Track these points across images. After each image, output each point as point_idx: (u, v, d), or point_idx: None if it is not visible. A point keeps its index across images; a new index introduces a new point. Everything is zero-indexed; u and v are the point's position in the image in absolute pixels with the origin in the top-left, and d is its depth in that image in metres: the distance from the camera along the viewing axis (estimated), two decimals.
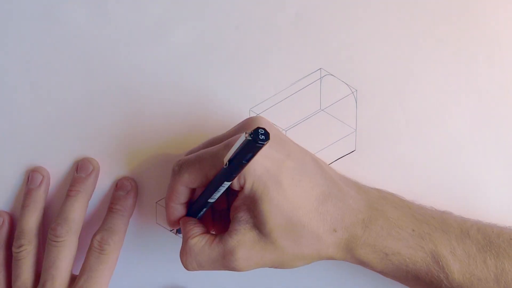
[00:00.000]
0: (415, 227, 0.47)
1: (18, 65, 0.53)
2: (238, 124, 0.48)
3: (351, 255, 0.47)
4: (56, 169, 0.54)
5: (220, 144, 0.46)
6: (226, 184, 0.45)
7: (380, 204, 0.48)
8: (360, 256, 0.47)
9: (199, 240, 0.47)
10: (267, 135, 0.40)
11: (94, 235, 0.51)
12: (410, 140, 0.53)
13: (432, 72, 0.53)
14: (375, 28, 0.53)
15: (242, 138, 0.41)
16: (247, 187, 0.45)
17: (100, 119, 0.53)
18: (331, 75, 0.53)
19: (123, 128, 0.53)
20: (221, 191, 0.46)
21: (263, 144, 0.40)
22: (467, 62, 0.53)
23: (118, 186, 0.53)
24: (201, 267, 0.47)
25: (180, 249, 0.48)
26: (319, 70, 0.53)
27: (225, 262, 0.46)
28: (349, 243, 0.47)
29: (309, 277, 0.55)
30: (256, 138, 0.39)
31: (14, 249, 0.51)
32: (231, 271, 0.47)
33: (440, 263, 0.47)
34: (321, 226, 0.46)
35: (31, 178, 0.53)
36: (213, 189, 0.46)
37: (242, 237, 0.46)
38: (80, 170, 0.53)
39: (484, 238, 0.47)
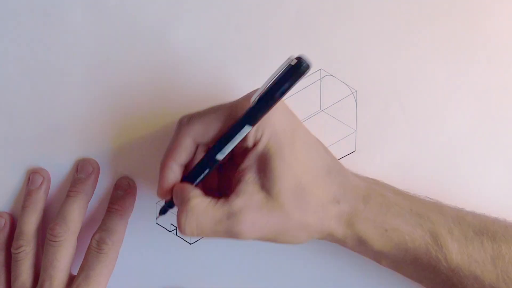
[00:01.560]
0: (413, 207, 0.48)
1: (18, 65, 0.53)
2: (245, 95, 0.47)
3: (352, 230, 0.46)
4: (56, 170, 0.54)
5: (239, 98, 0.45)
6: (246, 130, 0.42)
7: (378, 186, 0.49)
8: (361, 231, 0.46)
9: (202, 200, 0.44)
10: (309, 64, 0.38)
11: (93, 235, 0.51)
12: (410, 140, 0.53)
13: (432, 72, 0.53)
14: (375, 28, 0.53)
15: (283, 65, 0.39)
16: (263, 141, 0.44)
17: (99, 119, 0.53)
18: (331, 75, 0.53)
19: (122, 128, 0.53)
20: (236, 142, 0.43)
21: (307, 70, 0.38)
22: (467, 62, 0.53)
23: (116, 186, 0.53)
24: (201, 231, 0.43)
25: (177, 214, 0.44)
26: (319, 71, 0.53)
27: (229, 225, 0.43)
28: (351, 217, 0.46)
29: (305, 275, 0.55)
30: (300, 64, 0.38)
31: (13, 250, 0.51)
32: (233, 241, 0.45)
33: (439, 242, 0.46)
34: (326, 195, 0.46)
35: (31, 180, 0.53)
36: (227, 139, 0.43)
37: (250, 198, 0.44)
38: (80, 171, 0.53)
39: (480, 223, 0.48)
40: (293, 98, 0.53)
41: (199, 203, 0.44)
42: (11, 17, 0.53)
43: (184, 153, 0.46)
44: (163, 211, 0.50)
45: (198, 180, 0.46)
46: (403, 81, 0.53)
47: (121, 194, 0.53)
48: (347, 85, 0.53)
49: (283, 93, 0.41)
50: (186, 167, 0.47)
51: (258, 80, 0.53)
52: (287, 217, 0.44)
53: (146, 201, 0.54)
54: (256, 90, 0.43)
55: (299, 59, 0.40)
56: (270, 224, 0.44)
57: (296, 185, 0.44)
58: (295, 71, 0.39)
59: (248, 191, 0.44)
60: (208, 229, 0.44)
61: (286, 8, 0.53)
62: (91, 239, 0.51)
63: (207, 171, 0.46)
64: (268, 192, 0.44)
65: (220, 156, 0.45)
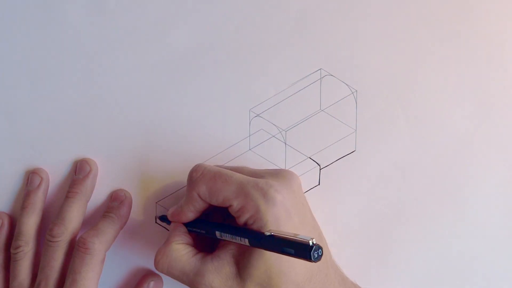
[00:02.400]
0: None
1: (18, 65, 0.53)
2: (271, 169, 0.49)
3: None
4: (56, 170, 0.54)
5: (250, 179, 0.46)
6: (244, 243, 0.45)
7: None
8: None
9: (183, 248, 0.48)
10: (320, 257, 0.41)
11: (81, 234, 0.50)
12: (410, 140, 0.53)
13: (432, 72, 0.53)
14: (375, 28, 0.53)
15: (304, 238, 0.41)
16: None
17: (99, 119, 0.53)
18: (331, 75, 0.53)
19: (122, 129, 0.53)
20: (234, 240, 0.46)
21: (312, 261, 0.40)
22: (467, 62, 0.53)
23: (113, 197, 0.53)
24: (169, 273, 0.47)
25: (158, 249, 0.48)
26: (319, 71, 0.53)
27: (193, 281, 0.46)
28: None
29: None
30: (314, 254, 0.40)
31: (11, 250, 0.51)
32: None
33: None
34: None
35: (30, 180, 0.53)
36: (230, 236, 0.46)
37: (221, 266, 0.46)
38: (78, 172, 0.53)
39: None
40: (293, 98, 0.53)
41: (179, 249, 0.47)
42: (11, 17, 0.53)
43: (197, 204, 0.48)
44: (161, 219, 0.53)
45: (193, 230, 0.49)
46: (403, 81, 0.53)
47: (117, 204, 0.53)
48: (347, 85, 0.53)
49: (288, 255, 0.42)
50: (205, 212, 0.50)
51: (258, 80, 0.53)
52: None
53: (147, 201, 0.54)
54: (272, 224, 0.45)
55: (317, 250, 0.41)
56: None
57: (266, 281, 0.45)
58: (304, 252, 0.41)
59: (224, 259, 0.46)
60: (176, 274, 0.47)
61: (286, 8, 0.53)
62: (78, 239, 0.50)
63: (203, 232, 0.49)
64: (239, 271, 0.46)
65: (218, 235, 0.47)
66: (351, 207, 0.53)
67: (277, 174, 0.48)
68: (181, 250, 0.47)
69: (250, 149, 0.53)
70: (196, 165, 0.48)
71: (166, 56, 0.53)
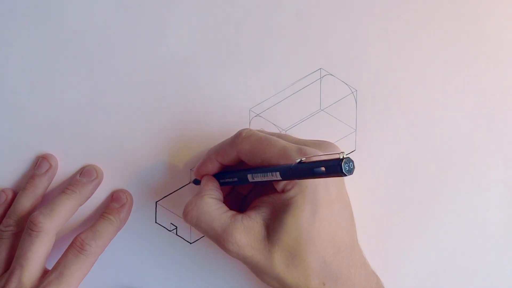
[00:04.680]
0: None
1: (18, 65, 0.53)
2: (315, 140, 0.48)
3: None
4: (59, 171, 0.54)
5: (293, 145, 0.46)
6: (276, 178, 0.44)
7: None
8: None
9: (215, 203, 0.47)
10: (352, 170, 0.39)
11: (79, 233, 0.50)
12: (410, 140, 0.53)
13: (432, 72, 0.53)
14: (375, 28, 0.53)
15: (334, 155, 0.41)
16: (290, 195, 0.45)
17: (99, 119, 0.53)
18: (331, 75, 0.53)
19: (122, 128, 0.53)
20: (267, 179, 0.45)
21: (345, 174, 0.39)
22: (467, 62, 0.53)
23: (113, 198, 0.53)
24: (197, 225, 0.47)
25: (189, 200, 0.47)
26: (319, 70, 0.53)
27: (222, 236, 0.46)
28: None
29: None
30: (345, 166, 0.39)
31: (1, 227, 0.51)
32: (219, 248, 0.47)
33: None
34: (317, 275, 0.46)
35: (38, 164, 0.53)
36: (262, 174, 0.45)
37: (251, 227, 0.46)
38: (83, 175, 0.53)
39: None
40: (293, 98, 0.53)
41: (209, 203, 0.47)
42: (11, 17, 0.53)
43: (227, 157, 0.48)
44: (195, 182, 0.52)
45: (224, 183, 0.49)
46: (403, 81, 0.53)
47: (117, 206, 0.52)
48: (347, 84, 0.53)
49: (319, 176, 0.41)
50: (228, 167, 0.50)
51: (258, 80, 0.53)
52: (270, 264, 0.46)
53: (147, 201, 0.54)
54: (308, 148, 0.44)
55: (347, 162, 0.40)
56: (253, 258, 0.46)
57: (294, 248, 0.45)
58: (336, 168, 0.39)
59: (254, 220, 0.46)
60: (204, 227, 0.47)
61: (286, 8, 0.53)
62: (76, 237, 0.50)
63: (235, 180, 0.48)
64: (268, 234, 0.46)
65: (250, 178, 0.47)
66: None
67: (321, 145, 0.47)
68: (213, 205, 0.47)
69: None
70: (247, 128, 0.48)
71: (166, 56, 0.53)
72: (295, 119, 0.53)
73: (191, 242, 0.54)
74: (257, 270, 0.47)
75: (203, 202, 0.47)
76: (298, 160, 0.43)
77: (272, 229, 0.46)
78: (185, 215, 0.47)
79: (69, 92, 0.53)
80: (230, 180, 0.49)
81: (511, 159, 0.53)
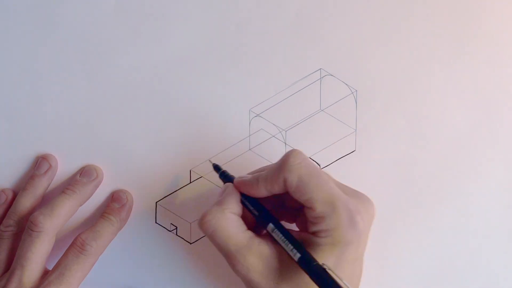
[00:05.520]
0: None
1: (18, 65, 0.53)
2: (354, 190, 0.47)
3: None
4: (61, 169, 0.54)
5: (342, 195, 0.45)
6: (293, 256, 0.44)
7: None
8: None
9: (235, 220, 0.45)
10: None
11: (80, 234, 0.50)
12: (410, 140, 0.53)
13: (432, 72, 0.53)
14: (375, 28, 0.53)
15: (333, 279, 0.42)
16: (318, 242, 0.44)
17: (99, 119, 0.53)
18: (331, 75, 0.53)
19: (122, 128, 0.53)
20: (283, 246, 0.45)
21: None
22: (467, 62, 0.53)
23: (113, 198, 0.53)
24: (211, 237, 0.45)
25: (209, 209, 0.45)
26: (319, 70, 0.53)
27: (235, 256, 0.45)
28: None
29: None
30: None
31: (1, 227, 0.51)
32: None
33: None
34: None
35: (38, 164, 0.53)
36: (282, 239, 0.45)
37: (266, 255, 0.45)
38: (84, 175, 0.53)
39: None
40: (293, 98, 0.53)
41: (229, 218, 0.45)
42: (11, 17, 0.53)
43: (276, 186, 0.46)
44: (215, 167, 0.51)
45: (245, 204, 0.47)
46: (403, 81, 0.53)
47: (117, 206, 0.52)
48: (347, 84, 0.53)
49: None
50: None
51: (258, 80, 0.53)
52: None
53: (147, 201, 0.54)
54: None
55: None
56: (259, 286, 0.45)
57: None
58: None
59: (270, 250, 0.45)
60: (217, 242, 0.45)
61: (286, 8, 0.53)
62: (77, 237, 0.50)
63: (256, 214, 0.46)
64: (280, 267, 0.45)
65: (269, 229, 0.45)
66: None
67: (360, 198, 0.46)
68: (233, 221, 0.45)
69: (250, 149, 0.53)
70: (296, 151, 0.45)
71: (166, 56, 0.53)
72: (295, 119, 0.53)
73: (191, 242, 0.54)
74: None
75: (224, 216, 0.45)
76: (324, 267, 0.42)
77: (286, 264, 0.45)
78: (202, 224, 0.45)
79: (69, 92, 0.53)
80: (251, 209, 0.47)
81: (511, 159, 0.53)
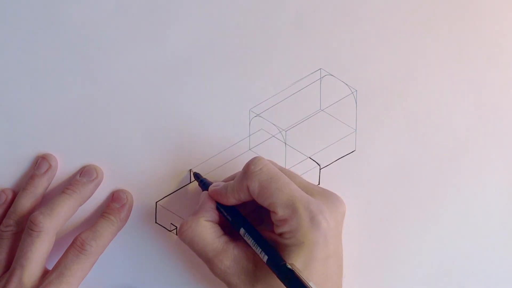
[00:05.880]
0: None
1: (18, 65, 0.53)
2: (322, 189, 0.49)
3: None
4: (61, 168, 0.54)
5: (304, 195, 0.46)
6: (262, 258, 0.46)
7: None
8: None
9: (210, 226, 0.48)
10: None
11: (80, 233, 0.50)
12: (410, 140, 0.53)
13: (432, 72, 0.53)
14: (375, 28, 0.53)
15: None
16: (286, 242, 0.46)
17: (99, 119, 0.53)
18: (331, 75, 0.53)
19: (122, 128, 0.53)
20: (254, 249, 0.47)
21: None
22: (468, 62, 0.53)
23: (113, 198, 0.53)
24: (190, 245, 0.48)
25: (185, 219, 0.48)
26: (319, 70, 0.53)
27: (212, 260, 0.47)
28: None
29: None
30: None
31: (1, 227, 0.51)
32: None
33: None
34: None
35: (38, 164, 0.53)
36: (253, 242, 0.47)
37: (241, 258, 0.47)
38: (84, 175, 0.53)
39: None
40: (293, 98, 0.53)
41: (204, 226, 0.48)
42: (11, 17, 0.53)
43: (242, 194, 0.48)
44: (195, 176, 0.53)
45: (221, 211, 0.49)
46: (403, 81, 0.53)
47: (117, 206, 0.53)
48: (347, 84, 0.53)
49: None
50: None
51: (258, 80, 0.53)
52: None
53: (147, 201, 0.54)
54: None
55: None
56: (236, 287, 0.47)
57: None
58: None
59: (244, 253, 0.47)
60: (195, 249, 0.48)
61: (286, 8, 0.53)
62: (77, 237, 0.50)
63: (229, 220, 0.49)
64: (255, 270, 0.47)
65: (241, 232, 0.48)
66: (351, 207, 0.53)
67: (328, 197, 0.48)
68: (208, 228, 0.48)
69: (250, 149, 0.53)
70: (257, 158, 0.48)
71: (166, 56, 0.53)
72: (295, 119, 0.53)
73: None
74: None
75: (199, 224, 0.48)
76: (289, 267, 0.44)
77: (260, 266, 0.47)
78: (180, 234, 0.48)
79: (69, 92, 0.53)
80: (225, 215, 0.49)
81: (511, 159, 0.53)
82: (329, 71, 0.53)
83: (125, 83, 0.53)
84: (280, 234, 0.46)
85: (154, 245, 0.54)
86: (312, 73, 0.53)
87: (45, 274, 0.49)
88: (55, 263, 0.50)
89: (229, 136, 0.53)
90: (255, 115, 0.53)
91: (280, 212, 0.46)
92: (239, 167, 0.53)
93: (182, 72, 0.53)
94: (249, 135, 0.53)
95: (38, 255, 0.49)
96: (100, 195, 0.54)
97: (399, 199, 0.53)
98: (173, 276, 0.54)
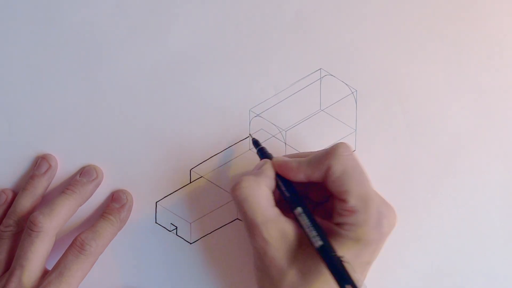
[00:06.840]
0: None
1: (18, 65, 0.53)
2: (380, 196, 0.47)
3: None
4: (61, 168, 0.54)
5: (378, 194, 0.46)
6: (315, 243, 0.45)
7: None
8: None
9: (267, 194, 0.47)
10: None
11: (80, 234, 0.50)
12: (410, 140, 0.53)
13: (432, 72, 0.53)
14: (375, 28, 0.53)
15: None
16: (341, 233, 0.45)
17: (99, 119, 0.53)
18: (331, 75, 0.53)
19: (122, 128, 0.53)
20: (307, 232, 0.46)
21: None
22: (468, 62, 0.53)
23: (113, 198, 0.53)
24: (240, 204, 0.46)
25: (246, 177, 0.46)
26: (319, 70, 0.53)
27: (258, 227, 0.45)
28: None
29: None
30: None
31: (1, 227, 0.51)
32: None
33: None
34: None
35: (38, 164, 0.53)
36: (308, 225, 0.46)
37: (288, 234, 0.46)
38: (84, 175, 0.53)
39: None
40: (293, 98, 0.53)
41: (263, 191, 0.46)
42: (11, 17, 0.53)
43: (317, 171, 0.46)
44: (254, 142, 0.52)
45: (279, 184, 0.48)
46: (403, 81, 0.53)
47: (117, 206, 0.53)
48: (347, 84, 0.53)
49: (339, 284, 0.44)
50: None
51: (258, 80, 0.53)
52: (280, 273, 0.46)
53: (147, 201, 0.54)
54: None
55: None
56: (272, 260, 0.46)
57: (310, 276, 0.45)
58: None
59: (293, 231, 0.46)
60: (244, 210, 0.46)
61: (286, 8, 0.53)
62: (76, 237, 0.50)
63: (287, 196, 0.47)
64: (297, 249, 0.46)
65: (297, 211, 0.46)
66: None
67: (389, 207, 0.47)
68: (265, 195, 0.46)
69: (250, 149, 0.53)
70: (346, 143, 0.46)
71: (166, 56, 0.53)
72: (295, 119, 0.53)
73: (191, 242, 0.54)
74: (263, 266, 0.47)
75: (259, 187, 0.46)
76: (343, 259, 0.43)
77: (303, 248, 0.46)
78: (236, 189, 0.46)
79: (69, 92, 0.54)
80: (283, 190, 0.48)
81: (511, 159, 0.54)
82: (329, 71, 0.53)
83: (125, 83, 0.53)
84: (339, 224, 0.45)
85: (154, 245, 0.54)
86: (312, 73, 0.53)
87: (45, 274, 0.50)
88: (55, 263, 0.50)
89: (229, 136, 0.53)
90: (255, 115, 0.53)
91: (352, 202, 0.45)
92: (239, 167, 0.53)
93: (182, 72, 0.53)
94: (249, 135, 0.53)
95: (38, 255, 0.49)
96: (100, 195, 0.54)
97: (399, 199, 0.53)
98: (173, 276, 0.54)
